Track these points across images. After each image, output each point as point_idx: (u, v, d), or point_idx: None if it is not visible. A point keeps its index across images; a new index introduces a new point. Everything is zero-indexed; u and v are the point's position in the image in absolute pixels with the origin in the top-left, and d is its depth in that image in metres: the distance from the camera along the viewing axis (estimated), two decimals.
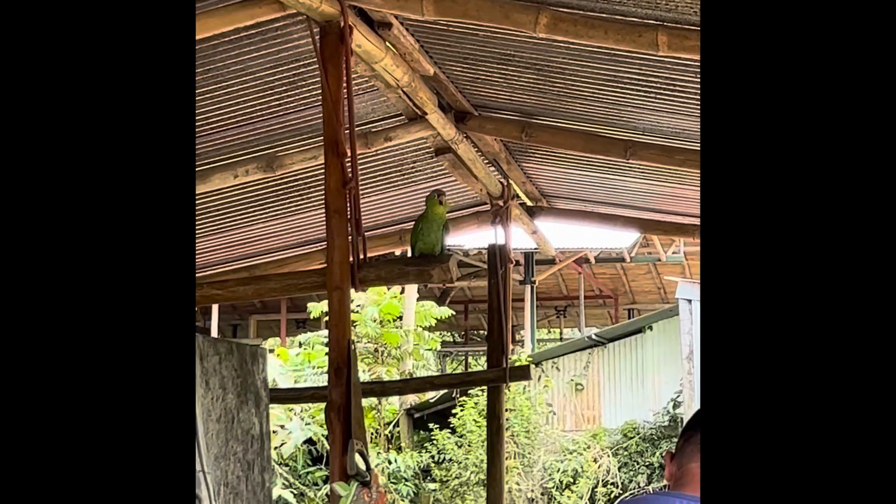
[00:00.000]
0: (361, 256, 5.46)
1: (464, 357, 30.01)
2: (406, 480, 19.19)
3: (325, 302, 19.90)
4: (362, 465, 5.26)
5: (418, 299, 21.62)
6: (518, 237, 9.28)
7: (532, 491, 18.99)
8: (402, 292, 20.66)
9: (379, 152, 7.36)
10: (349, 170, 5.37)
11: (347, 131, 5.39)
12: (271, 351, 24.33)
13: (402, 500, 18.97)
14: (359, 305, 20.02)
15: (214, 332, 26.97)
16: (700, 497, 2.96)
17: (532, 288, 24.82)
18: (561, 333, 31.91)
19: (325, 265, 5.40)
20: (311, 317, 21.56)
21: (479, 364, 27.16)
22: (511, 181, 8.11)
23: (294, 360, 20.70)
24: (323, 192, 5.55)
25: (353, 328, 19.74)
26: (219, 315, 27.74)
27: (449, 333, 32.32)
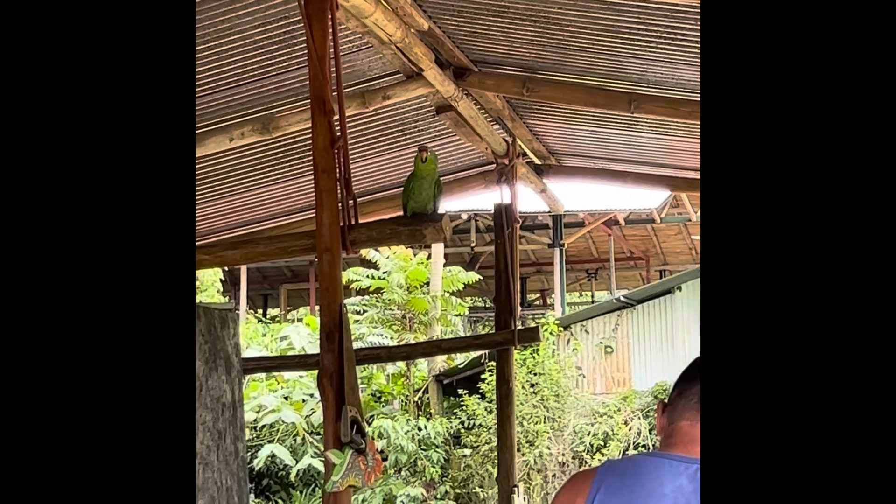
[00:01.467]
0: (352, 217, 5.28)
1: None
2: (436, 447, 19.12)
3: (351, 269, 20.04)
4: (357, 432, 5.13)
5: (445, 265, 21.51)
6: (533, 199, 9.08)
7: (563, 455, 18.86)
8: (428, 258, 20.54)
9: (378, 111, 7.19)
10: (337, 128, 5.19)
11: (335, 89, 5.21)
12: (300, 320, 24.34)
13: (434, 467, 18.91)
14: (385, 272, 19.95)
15: (243, 302, 26.94)
16: (698, 459, 2.78)
17: (561, 251, 24.61)
18: (592, 296, 31.72)
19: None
20: None
21: None
22: (517, 139, 7.91)
23: None
24: None
25: (380, 294, 19.86)
26: (247, 285, 27.75)
27: (480, 298, 32.18)
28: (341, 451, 5.03)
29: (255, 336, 22.66)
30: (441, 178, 8.26)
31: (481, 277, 22.79)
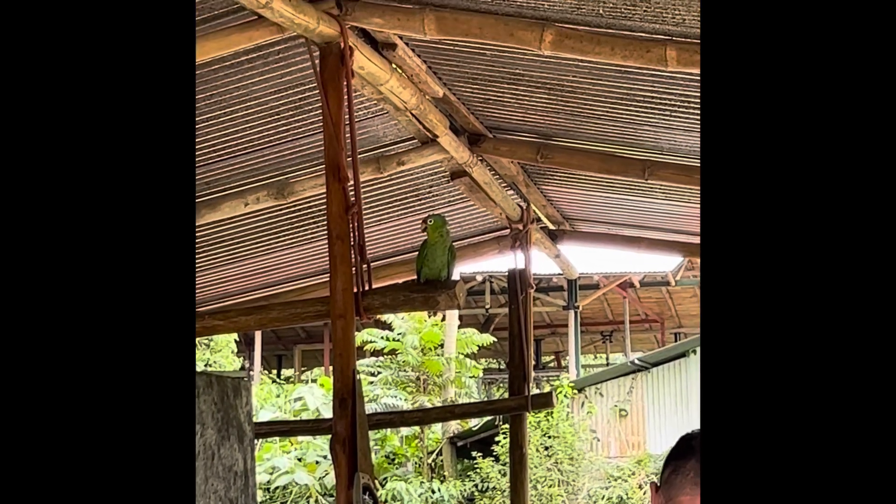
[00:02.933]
0: (366, 283, 5.30)
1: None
2: None
3: (365, 331, 20.06)
4: (369, 499, 5.13)
5: (460, 326, 21.50)
6: (547, 264, 9.08)
7: None
8: (442, 320, 20.55)
9: (393, 177, 7.22)
10: (352, 194, 5.21)
11: (350, 156, 5.25)
12: (314, 381, 24.32)
13: None
14: (399, 333, 19.96)
15: (258, 363, 26.95)
16: None
17: (576, 313, 24.62)
18: (607, 359, 31.67)
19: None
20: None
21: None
22: (531, 204, 7.93)
23: None
24: None
25: (395, 356, 19.86)
26: (262, 345, 27.78)
27: (495, 360, 32.13)
28: None
29: (268, 397, 22.64)
30: (455, 244, 8.34)
31: (496, 339, 22.77)
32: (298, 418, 19.32)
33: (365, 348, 20.48)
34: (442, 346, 20.21)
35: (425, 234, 5.49)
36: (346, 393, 5.05)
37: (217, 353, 21.92)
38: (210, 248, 7.85)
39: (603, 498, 18.42)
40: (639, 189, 7.56)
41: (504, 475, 18.26)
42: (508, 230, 7.99)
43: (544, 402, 7.71)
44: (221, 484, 3.90)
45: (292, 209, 7.40)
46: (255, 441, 4.73)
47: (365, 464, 5.11)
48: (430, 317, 20.47)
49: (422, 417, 9.45)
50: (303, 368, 31.35)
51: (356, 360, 5.22)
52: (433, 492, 19.08)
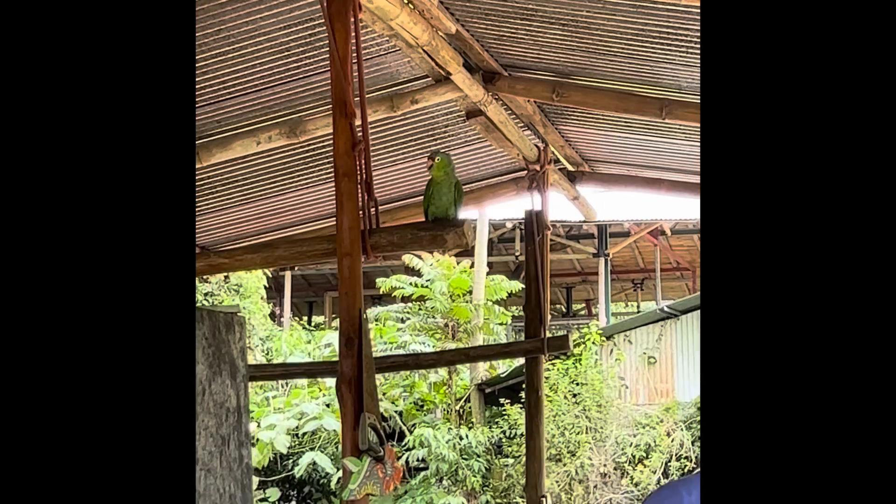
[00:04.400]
0: (373, 222, 5.20)
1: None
2: (478, 456, 18.98)
3: (394, 277, 19.98)
4: (376, 439, 5.06)
5: (489, 273, 21.37)
6: (566, 206, 8.96)
7: (604, 465, 18.67)
8: (471, 266, 20.43)
9: (407, 116, 7.11)
10: (359, 131, 5.11)
11: (357, 91, 5.15)
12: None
13: (475, 476, 18.78)
14: (428, 280, 19.86)
15: (287, 310, 26.92)
16: None
17: (606, 261, 24.45)
18: (638, 306, 31.48)
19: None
20: (381, 292, 21.44)
21: None
22: (548, 145, 7.81)
23: None
24: None
25: (423, 302, 19.77)
26: (292, 292, 27.74)
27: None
28: (359, 458, 4.95)
29: (298, 343, 22.61)
30: (472, 185, 8.24)
31: (523, 286, 22.59)
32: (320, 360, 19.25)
33: (393, 294, 20.41)
34: (471, 292, 20.08)
35: (435, 168, 5.38)
36: (353, 332, 4.97)
37: (247, 299, 21.85)
38: (223, 188, 7.77)
39: (631, 445, 18.31)
40: (658, 129, 7.43)
41: None
42: (525, 171, 7.88)
43: (559, 344, 7.62)
44: (212, 420, 3.84)
45: (305, 149, 7.30)
46: (284, 384, 4.66)
47: (371, 404, 5.04)
48: (458, 263, 20.36)
49: (436, 360, 9.36)
50: (333, 315, 31.31)
51: (362, 300, 5.12)
52: (461, 438, 19.01)
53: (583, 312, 32.15)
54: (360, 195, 5.08)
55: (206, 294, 21.08)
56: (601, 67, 6.59)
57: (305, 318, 32.01)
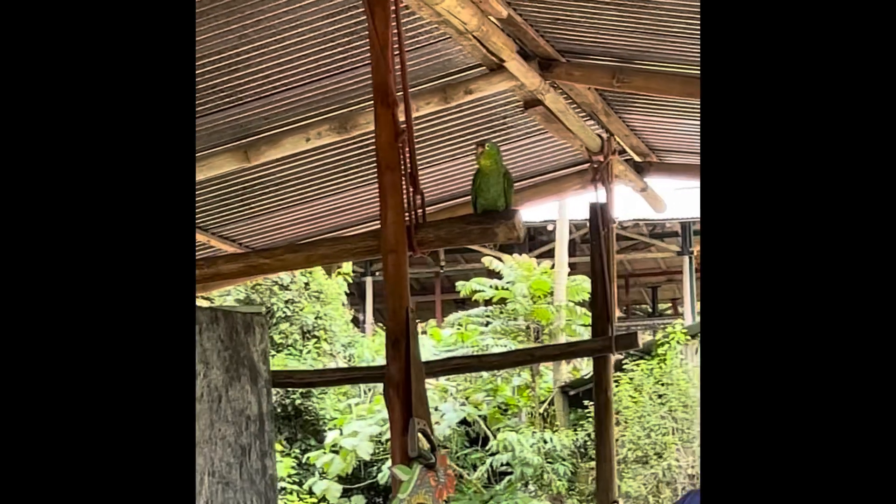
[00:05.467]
0: (419, 216, 4.95)
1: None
2: (563, 459, 18.74)
3: (474, 280, 19.80)
4: (426, 446, 4.81)
5: (570, 274, 21.10)
6: (634, 199, 8.66)
7: (692, 467, 18.31)
8: (552, 267, 20.19)
9: (462, 108, 6.84)
10: (403, 121, 4.87)
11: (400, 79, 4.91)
12: (424, 332, 24.17)
13: (560, 480, 18.54)
14: (508, 282, 19.68)
15: (370, 315, 26.85)
16: None
17: (690, 259, 24.08)
18: None
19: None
20: (461, 295, 21.27)
21: (644, 339, 26.49)
22: (612, 135, 7.49)
23: (447, 341, 20.41)
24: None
25: (504, 305, 19.64)
26: (373, 298, 27.65)
27: None
28: (409, 466, 4.71)
29: (380, 349, 22.49)
30: (536, 178, 7.95)
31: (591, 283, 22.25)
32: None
33: (474, 298, 20.24)
34: (552, 293, 19.85)
35: (481, 158, 5.12)
36: (400, 333, 4.73)
37: (327, 306, 21.75)
38: (274, 188, 7.54)
39: None
40: None
41: (617, 424, 17.91)
42: (589, 163, 7.58)
43: (628, 343, 7.30)
44: (231, 429, 3.59)
45: (357, 145, 7.05)
46: (368, 389, 4.40)
47: (421, 409, 4.80)
48: (538, 264, 20.15)
49: (501, 361, 9.07)
50: (418, 320, 31.16)
51: (409, 298, 4.87)
52: (545, 442, 18.79)
53: (669, 312, 31.69)
54: (405, 188, 4.85)
55: (287, 301, 21.04)
56: (663, 49, 6.28)
57: None
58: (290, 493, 18.41)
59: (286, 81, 6.24)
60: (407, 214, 4.86)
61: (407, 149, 4.88)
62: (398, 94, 4.87)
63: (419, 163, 7.21)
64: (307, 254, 5.39)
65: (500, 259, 20.23)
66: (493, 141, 6.98)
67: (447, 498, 4.95)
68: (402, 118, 4.85)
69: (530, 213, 23.08)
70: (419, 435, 4.73)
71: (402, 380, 4.69)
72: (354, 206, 8.08)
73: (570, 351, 9.92)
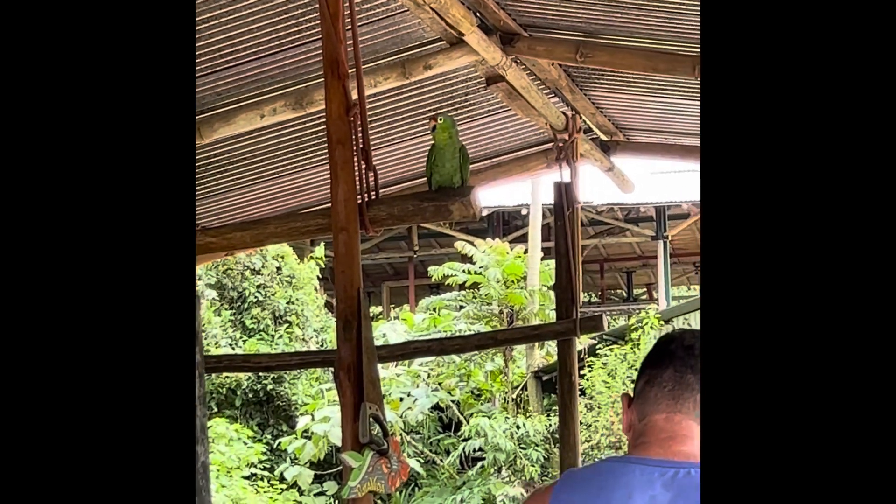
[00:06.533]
0: (372, 193, 4.79)
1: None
2: (536, 445, 18.66)
3: (447, 265, 19.68)
4: (378, 432, 4.66)
5: (543, 258, 21.02)
6: (600, 178, 8.50)
7: None
8: (525, 252, 20.09)
9: (422, 84, 6.66)
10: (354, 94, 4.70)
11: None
12: (397, 317, 24.04)
13: (533, 465, 18.46)
14: (482, 267, 19.58)
15: None
16: (677, 460, 2.29)
17: (665, 243, 24.02)
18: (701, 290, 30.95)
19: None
20: (433, 280, 21.15)
21: (617, 325, 26.42)
22: (577, 112, 7.32)
23: (420, 326, 20.28)
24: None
25: (475, 289, 19.54)
26: None
27: (585, 294, 31.56)
28: (360, 453, 4.55)
29: None
30: (500, 157, 7.78)
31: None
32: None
33: (447, 282, 20.15)
34: (525, 278, 19.76)
35: (437, 133, 4.96)
36: (351, 315, 4.57)
37: (300, 290, 21.58)
38: (230, 166, 7.34)
39: None
40: (694, 91, 6.92)
41: (590, 409, 17.82)
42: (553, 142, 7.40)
43: (593, 326, 7.14)
44: None
45: (314, 122, 6.86)
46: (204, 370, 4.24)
47: (373, 393, 4.64)
48: (512, 248, 20.05)
49: (462, 345, 8.92)
50: (392, 305, 31.04)
51: (361, 279, 4.70)
52: (518, 427, 18.72)
53: (644, 297, 31.66)
54: (357, 164, 4.68)
55: (258, 286, 20.88)
56: (628, 24, 6.11)
57: None
58: (261, 480, 18.27)
59: (239, 56, 6.04)
60: (359, 191, 4.71)
61: (359, 123, 4.72)
62: (351, 67, 4.71)
63: (380, 140, 7.14)
64: (255, 232, 5.21)
65: (473, 244, 20.13)
66: (455, 118, 6.82)
67: (400, 485, 4.80)
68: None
69: (504, 197, 22.99)
70: (371, 420, 4.58)
71: (353, 363, 4.54)
72: (313, 185, 7.89)
73: (534, 334, 9.78)
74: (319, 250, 21.67)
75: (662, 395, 2.35)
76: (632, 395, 2.47)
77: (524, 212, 22.19)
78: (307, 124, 6.89)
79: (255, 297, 20.81)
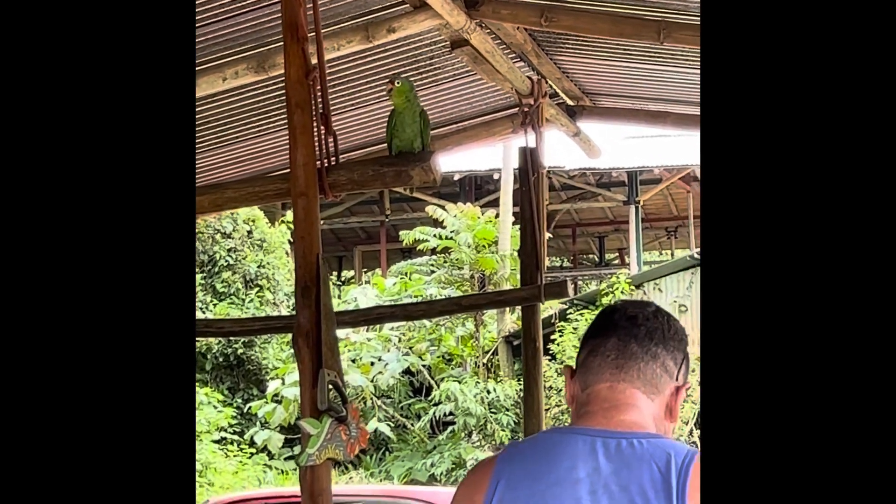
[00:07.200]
0: (332, 157, 4.76)
1: (572, 282, 29.09)
2: (506, 410, 18.72)
3: (418, 229, 19.63)
4: (336, 398, 4.62)
5: (515, 223, 21.02)
6: (567, 143, 8.47)
7: None
8: (497, 217, 20.06)
9: (386, 48, 6.59)
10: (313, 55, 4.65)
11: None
12: (368, 282, 24.02)
13: (503, 430, 18.51)
14: (453, 231, 19.56)
15: None
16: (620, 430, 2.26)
17: (636, 208, 24.03)
18: (672, 255, 30.91)
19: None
20: (404, 244, 21.12)
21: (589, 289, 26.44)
22: (543, 77, 7.26)
23: (391, 290, 20.24)
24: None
25: (447, 254, 19.50)
26: (322, 246, 27.37)
27: (557, 258, 31.60)
28: (318, 419, 4.52)
29: None
30: (465, 122, 7.73)
31: (551, 236, 22.22)
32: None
33: (418, 247, 20.12)
34: (496, 243, 19.74)
35: (394, 96, 4.92)
36: (310, 280, 4.54)
37: (270, 255, 21.53)
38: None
39: None
40: (659, 56, 6.88)
41: (560, 374, 17.85)
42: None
43: (558, 291, 7.11)
44: None
45: (276, 85, 6.78)
46: None
47: (331, 359, 4.61)
48: (483, 213, 20.03)
49: (426, 310, 8.87)
50: (364, 269, 30.99)
51: (320, 244, 4.67)
52: (488, 392, 18.76)
53: (616, 262, 31.71)
54: (316, 129, 4.64)
55: (229, 250, 20.82)
56: None
57: (335, 273, 31.65)
58: (231, 444, 18.27)
59: (201, 17, 5.96)
60: (319, 156, 4.67)
61: (318, 87, 4.67)
62: (311, 30, 4.65)
63: (343, 105, 7.08)
64: (212, 196, 5.16)
65: (444, 208, 20.09)
66: (419, 82, 6.77)
67: (359, 451, 4.78)
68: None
69: (476, 162, 22.94)
70: (330, 387, 4.55)
71: (311, 329, 4.51)
72: (276, 150, 7.83)
73: (498, 300, 9.74)
74: (290, 214, 21.58)
75: (606, 365, 2.35)
76: (574, 366, 2.45)
77: (496, 176, 22.17)
78: (269, 88, 6.82)
79: (226, 260, 20.75)
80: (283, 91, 6.30)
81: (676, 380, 2.41)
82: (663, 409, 2.39)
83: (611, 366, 2.35)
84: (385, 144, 6.93)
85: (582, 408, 2.36)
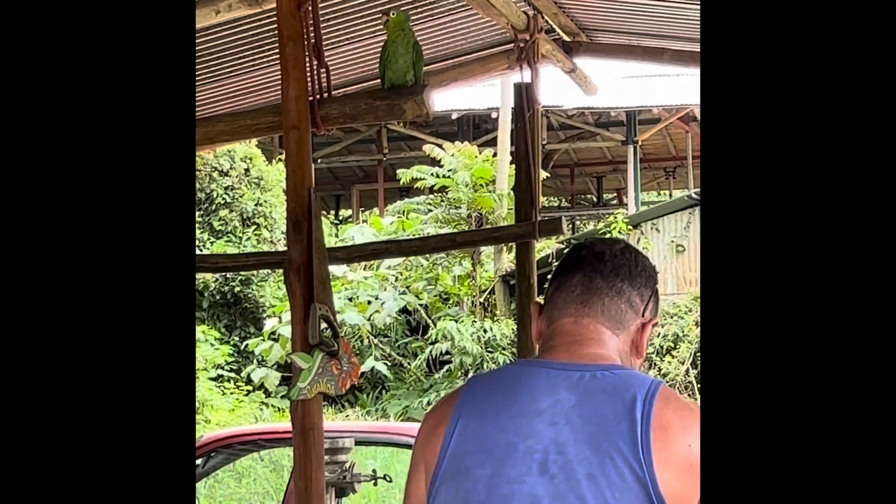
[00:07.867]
0: (324, 90, 4.73)
1: (570, 222, 29.11)
2: (502, 349, 18.75)
3: (415, 168, 19.56)
4: (328, 332, 4.62)
5: (513, 162, 20.96)
6: (562, 80, 8.41)
7: None
8: (494, 155, 19.98)
9: None
10: None
11: None
12: (365, 221, 24.01)
13: None
14: (450, 170, 19.50)
15: None
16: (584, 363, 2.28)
17: (635, 148, 23.95)
18: (671, 195, 30.86)
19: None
20: (402, 183, 21.07)
21: (587, 229, 26.40)
22: (539, 12, 7.19)
23: (388, 229, 20.22)
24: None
25: (444, 193, 19.42)
26: (318, 185, 27.27)
27: (555, 198, 31.56)
28: (310, 354, 4.52)
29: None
30: (461, 58, 7.67)
31: (549, 175, 22.15)
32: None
33: (415, 185, 20.08)
34: (494, 182, 19.69)
35: (388, 28, 4.88)
36: (301, 214, 4.53)
37: (268, 192, 21.48)
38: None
39: (658, 336, 17.91)
40: None
41: None
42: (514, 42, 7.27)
43: (552, 228, 7.07)
44: None
45: (270, 19, 6.70)
46: None
47: (323, 293, 4.60)
48: (481, 152, 19.95)
49: (420, 246, 8.81)
50: (361, 209, 30.96)
51: (312, 178, 4.65)
52: (485, 331, 18.78)
53: (614, 202, 31.67)
54: (308, 61, 4.60)
55: (226, 188, 20.77)
56: None
57: (333, 212, 31.64)
58: (228, 381, 18.32)
59: None
60: (311, 89, 4.64)
61: (311, 19, 4.64)
62: None
63: (337, 39, 7.01)
64: (204, 130, 5.11)
65: (441, 147, 20.02)
66: (414, 16, 6.71)
67: (350, 386, 4.77)
68: None
69: (474, 100, 22.84)
70: (321, 321, 4.55)
71: (303, 263, 4.51)
72: (270, 84, 7.77)
73: (493, 237, 9.68)
74: None
75: (571, 300, 2.35)
76: (542, 303, 2.46)
77: (494, 115, 22.06)
78: (263, 21, 6.75)
79: (223, 198, 20.70)
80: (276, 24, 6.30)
81: (643, 316, 2.41)
82: (629, 344, 2.39)
83: (575, 301, 2.35)
84: (378, 80, 6.93)
85: (547, 342, 2.37)
